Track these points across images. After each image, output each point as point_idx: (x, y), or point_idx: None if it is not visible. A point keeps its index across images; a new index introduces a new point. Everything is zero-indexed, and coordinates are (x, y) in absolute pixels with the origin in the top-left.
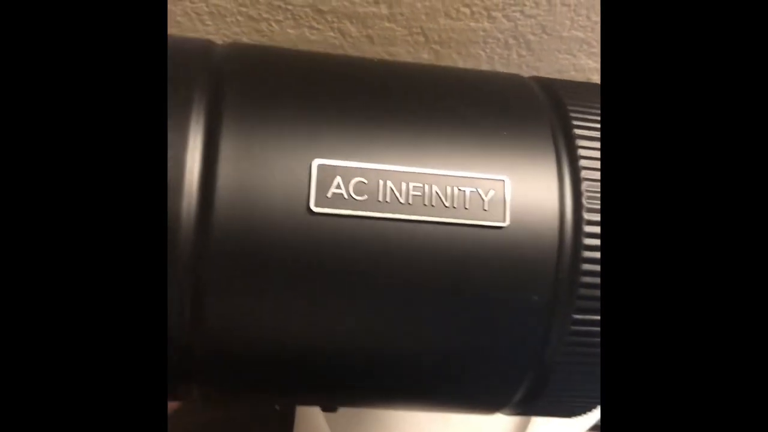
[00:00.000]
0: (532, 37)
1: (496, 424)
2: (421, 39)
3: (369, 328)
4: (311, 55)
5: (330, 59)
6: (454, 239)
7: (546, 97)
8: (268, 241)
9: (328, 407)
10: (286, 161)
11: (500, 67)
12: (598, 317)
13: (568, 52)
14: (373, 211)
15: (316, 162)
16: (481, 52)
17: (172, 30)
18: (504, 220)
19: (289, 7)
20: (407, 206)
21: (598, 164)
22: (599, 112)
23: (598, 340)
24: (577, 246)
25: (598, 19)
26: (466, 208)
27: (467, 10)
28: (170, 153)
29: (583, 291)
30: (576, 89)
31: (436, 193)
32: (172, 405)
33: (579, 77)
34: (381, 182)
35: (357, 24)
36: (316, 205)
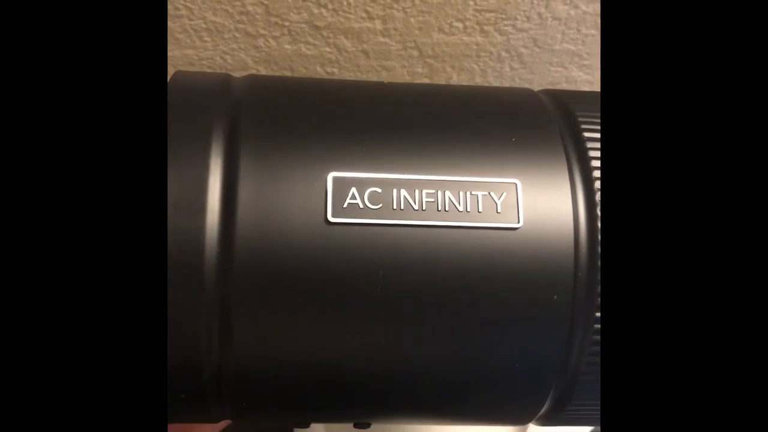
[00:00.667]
0: (524, 51)
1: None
2: (416, 53)
3: (392, 338)
4: (323, 81)
5: (341, 83)
6: (470, 242)
7: (554, 106)
8: (289, 254)
9: (360, 424)
10: (303, 176)
11: (493, 80)
12: None
13: (560, 64)
14: (388, 218)
15: (331, 175)
16: (475, 66)
17: (170, 46)
18: (518, 222)
19: (286, 23)
20: (421, 212)
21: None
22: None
23: None
24: (593, 243)
25: (589, 32)
26: (479, 212)
27: (460, 25)
28: (192, 174)
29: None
30: (582, 97)
31: (449, 198)
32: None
33: (571, 89)
34: (394, 191)
35: (352, 39)
36: (333, 216)
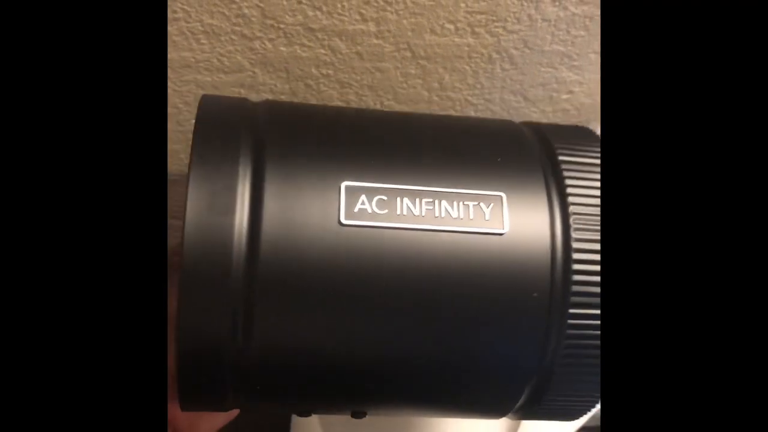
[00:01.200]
0: (514, 52)
1: (489, 423)
2: (408, 54)
3: (392, 330)
4: (334, 107)
5: (350, 110)
6: (461, 244)
7: (532, 133)
8: (307, 250)
9: (357, 413)
10: (320, 185)
11: (485, 81)
12: (593, 320)
13: (550, 65)
14: (393, 222)
15: (344, 184)
16: (467, 67)
17: (168, 49)
18: (503, 228)
19: (281, 25)
20: (421, 218)
21: (580, 182)
22: (578, 144)
23: (594, 341)
24: (567, 248)
25: (578, 33)
26: (470, 219)
27: (452, 27)
28: (224, 181)
29: (576, 288)
30: (557, 129)
31: (445, 207)
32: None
33: (561, 89)
34: (399, 199)
35: (346, 41)
36: (346, 218)
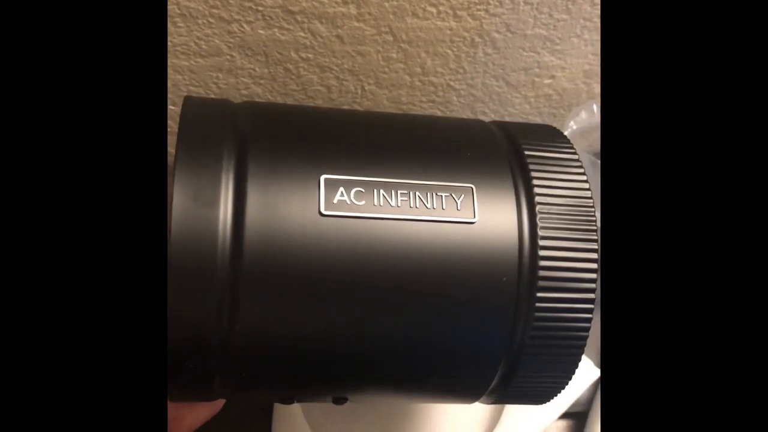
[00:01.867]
0: (497, 35)
1: (471, 413)
2: (390, 38)
3: (369, 316)
4: (313, 107)
5: (328, 109)
6: (435, 233)
7: (500, 131)
8: (288, 240)
9: (338, 399)
10: (300, 178)
11: (467, 66)
12: (559, 303)
13: (532, 49)
14: (370, 212)
15: (323, 177)
16: (449, 51)
17: None
18: (473, 217)
19: (260, 8)
20: (396, 209)
21: (545, 173)
22: (543, 139)
23: (561, 323)
24: (534, 235)
25: (560, 17)
26: (443, 209)
27: (434, 9)
28: (209, 174)
29: (543, 273)
30: (524, 126)
31: (419, 198)
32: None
33: (543, 74)
34: (375, 191)
35: (327, 24)
36: (325, 209)
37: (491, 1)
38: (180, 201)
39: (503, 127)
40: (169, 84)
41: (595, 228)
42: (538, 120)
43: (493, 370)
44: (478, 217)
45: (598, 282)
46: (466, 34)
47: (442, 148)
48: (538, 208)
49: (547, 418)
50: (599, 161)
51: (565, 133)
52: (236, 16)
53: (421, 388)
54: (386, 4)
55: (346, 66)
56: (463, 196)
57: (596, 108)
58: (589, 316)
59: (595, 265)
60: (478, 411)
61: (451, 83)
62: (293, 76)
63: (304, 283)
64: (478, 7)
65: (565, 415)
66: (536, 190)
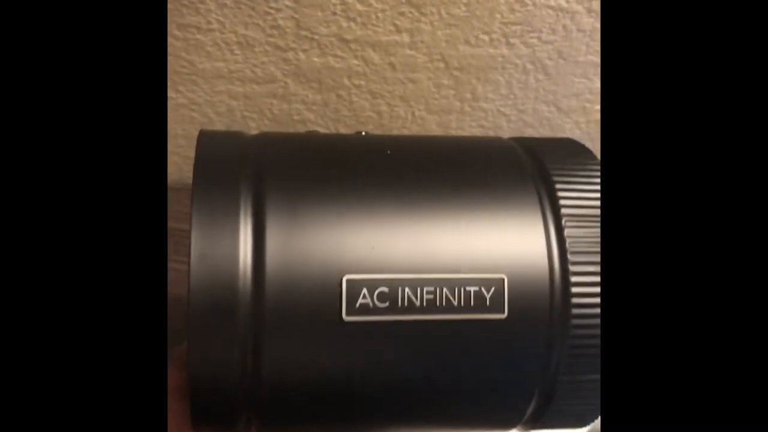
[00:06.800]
0: (548, 62)
1: None
2: (442, 65)
3: (394, 358)
4: (330, 148)
5: (348, 157)
6: (462, 332)
7: (541, 184)
8: (309, 342)
9: None
10: (321, 279)
11: (518, 92)
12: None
13: (584, 76)
14: (394, 315)
15: (346, 278)
16: (500, 78)
17: (201, 59)
18: (503, 312)
19: (315, 36)
20: (422, 308)
21: (585, 257)
22: (581, 186)
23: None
24: (567, 328)
25: None
26: (471, 306)
27: (486, 38)
28: (226, 233)
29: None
30: (569, 178)
31: (446, 294)
32: None
33: (594, 100)
34: (400, 289)
35: (380, 52)
36: (348, 315)
37: (544, 29)
38: (197, 259)
39: (531, 152)
40: (224, 109)
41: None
42: (589, 145)
43: (527, 403)
44: (508, 312)
45: None
46: (518, 60)
47: (471, 226)
48: (573, 299)
49: None
50: None
51: None
52: (292, 45)
53: (454, 426)
54: (439, 32)
55: (397, 93)
56: (493, 288)
57: None
58: None
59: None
60: None
61: (502, 109)
62: (345, 102)
63: (327, 370)
64: (531, 35)
65: None
66: (574, 279)
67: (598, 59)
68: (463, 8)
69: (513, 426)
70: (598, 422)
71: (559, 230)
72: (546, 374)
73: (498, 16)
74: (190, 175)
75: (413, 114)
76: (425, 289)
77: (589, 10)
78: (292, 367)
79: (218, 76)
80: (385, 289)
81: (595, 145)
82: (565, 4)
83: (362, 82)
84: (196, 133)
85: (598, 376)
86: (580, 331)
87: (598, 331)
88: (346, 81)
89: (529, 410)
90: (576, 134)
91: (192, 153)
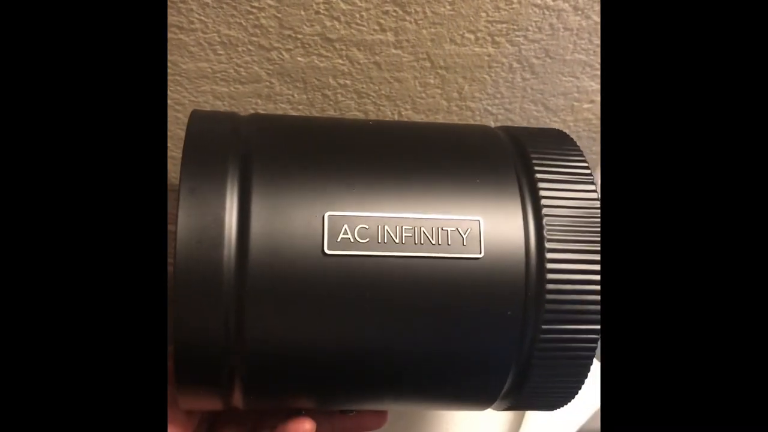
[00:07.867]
0: (535, 61)
1: (492, 424)
2: (427, 64)
3: (376, 348)
4: (318, 123)
5: (334, 124)
6: (440, 270)
7: (511, 145)
8: (292, 282)
9: (345, 411)
10: (304, 215)
11: (505, 91)
12: (562, 335)
13: (571, 74)
14: (374, 250)
15: (327, 214)
16: (486, 77)
17: (185, 59)
18: (480, 252)
19: (299, 36)
20: (401, 245)
21: (557, 202)
22: (557, 156)
23: (567, 336)
24: (541, 270)
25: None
26: (448, 244)
27: (472, 36)
28: (212, 211)
29: (549, 306)
30: (537, 137)
31: (424, 233)
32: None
33: (582, 98)
34: (379, 227)
35: (365, 51)
36: (329, 248)
37: (530, 28)
38: (183, 241)
39: (513, 137)
40: (209, 109)
41: (599, 239)
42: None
43: (504, 377)
44: (485, 252)
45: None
46: (504, 60)
47: (448, 174)
48: (546, 243)
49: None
50: None
51: None
52: (276, 44)
53: (433, 397)
54: (424, 31)
55: (383, 92)
56: (469, 229)
57: None
58: (597, 327)
59: (599, 277)
60: (498, 422)
61: (489, 108)
62: (331, 102)
63: (304, 316)
64: (517, 33)
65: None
66: (546, 220)
67: (585, 57)
68: (448, 7)
69: (495, 372)
70: (597, 421)
71: (531, 179)
72: (525, 320)
73: (483, 14)
74: (176, 176)
75: (400, 113)
76: (404, 227)
77: (576, 8)
78: (276, 301)
79: (202, 77)
80: (365, 225)
81: (582, 143)
82: (551, 2)
83: (348, 82)
84: (181, 134)
85: (578, 325)
86: (555, 276)
87: (572, 267)
88: (331, 80)
89: (511, 355)
90: None
91: (178, 154)
